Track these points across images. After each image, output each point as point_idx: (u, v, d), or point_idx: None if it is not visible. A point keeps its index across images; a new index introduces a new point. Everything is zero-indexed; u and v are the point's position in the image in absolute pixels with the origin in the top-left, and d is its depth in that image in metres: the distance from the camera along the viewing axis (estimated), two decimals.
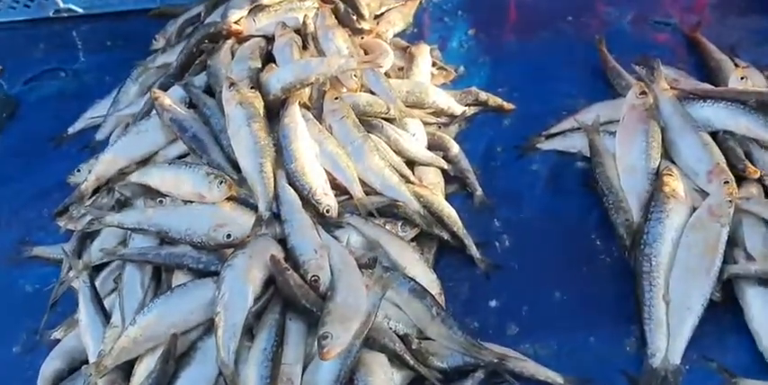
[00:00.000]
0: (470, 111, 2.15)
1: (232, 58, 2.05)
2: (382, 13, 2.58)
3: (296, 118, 1.75)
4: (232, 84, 1.76)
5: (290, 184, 1.65)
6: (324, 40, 2.07)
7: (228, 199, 1.62)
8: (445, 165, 1.92)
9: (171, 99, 1.86)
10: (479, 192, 1.89)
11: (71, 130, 2.30)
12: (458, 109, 2.11)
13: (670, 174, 1.70)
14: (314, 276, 1.44)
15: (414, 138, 1.93)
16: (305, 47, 2.07)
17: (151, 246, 1.58)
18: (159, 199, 1.66)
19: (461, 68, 2.37)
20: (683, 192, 1.67)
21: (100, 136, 2.22)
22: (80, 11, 2.88)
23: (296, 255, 1.50)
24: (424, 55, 2.26)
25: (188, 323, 1.41)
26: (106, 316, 1.56)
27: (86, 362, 1.52)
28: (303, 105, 1.84)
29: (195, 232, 1.52)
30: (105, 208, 1.83)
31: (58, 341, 1.63)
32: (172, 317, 1.40)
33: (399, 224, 1.69)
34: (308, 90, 1.89)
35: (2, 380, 1.61)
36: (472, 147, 2.04)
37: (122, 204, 1.81)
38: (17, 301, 1.79)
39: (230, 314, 1.35)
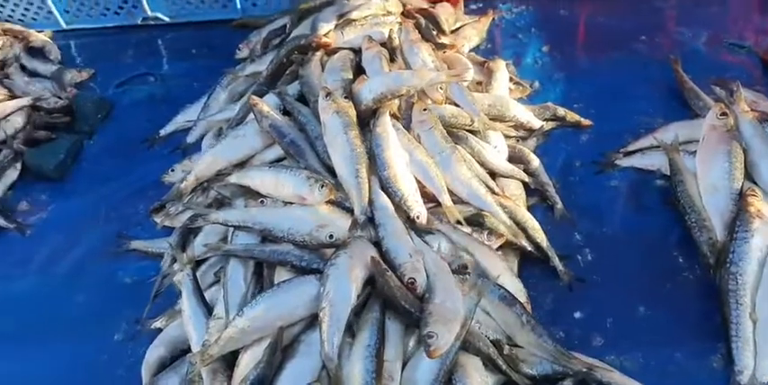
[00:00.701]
0: (548, 125, 2.20)
1: (321, 69, 2.15)
2: (457, 29, 2.67)
3: (387, 127, 1.83)
4: (328, 93, 1.84)
5: (382, 190, 1.72)
6: (409, 54, 2.14)
7: (326, 202, 1.69)
8: (526, 178, 1.97)
9: (269, 106, 1.96)
10: (560, 205, 1.94)
11: (163, 133, 2.43)
12: (536, 123, 2.17)
13: (754, 195, 1.73)
14: (410, 278, 1.50)
15: (496, 151, 1.98)
16: (392, 59, 2.15)
17: (255, 243, 1.66)
18: (261, 199, 1.75)
19: (536, 84, 2.42)
20: (767, 213, 1.68)
21: (190, 139, 2.34)
22: (166, 19, 3.03)
23: (391, 258, 1.56)
24: (502, 70, 2.32)
25: (293, 317, 1.48)
26: (207, 307, 1.63)
27: (188, 350, 1.60)
28: (392, 115, 1.91)
29: (298, 231, 1.60)
30: (200, 206, 1.92)
31: (157, 330, 1.73)
32: (278, 310, 1.47)
33: (485, 233, 1.74)
34: (396, 100, 1.96)
35: (107, 365, 1.70)
36: (550, 162, 2.08)
37: (220, 203, 1.90)
38: (117, 292, 1.89)
39: (335, 310, 1.41)
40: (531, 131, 2.17)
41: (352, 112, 1.85)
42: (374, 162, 1.76)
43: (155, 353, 1.63)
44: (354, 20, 2.32)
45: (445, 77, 1.93)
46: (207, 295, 1.68)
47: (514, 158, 2.03)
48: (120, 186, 2.23)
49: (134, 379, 1.62)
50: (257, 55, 2.54)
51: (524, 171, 2.00)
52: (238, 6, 2.96)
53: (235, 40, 2.80)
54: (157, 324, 1.73)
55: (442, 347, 1.31)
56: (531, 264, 1.80)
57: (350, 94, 1.94)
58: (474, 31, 2.65)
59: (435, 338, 1.31)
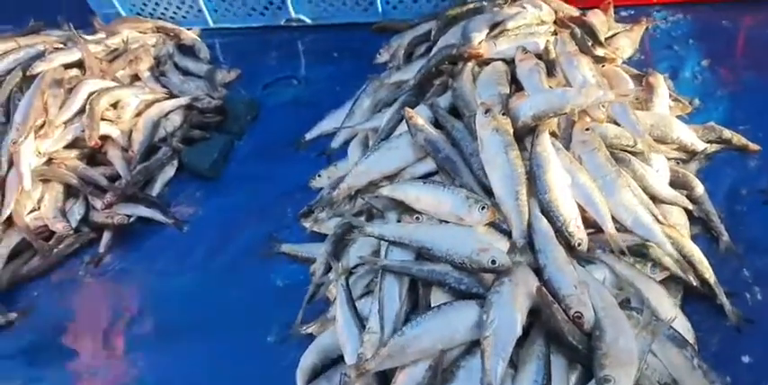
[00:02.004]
0: (711, 148, 2.05)
1: (473, 80, 2.11)
2: (608, 38, 2.53)
3: (548, 147, 1.76)
4: (488, 109, 1.80)
5: (542, 214, 1.67)
6: (568, 68, 2.06)
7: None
8: (690, 206, 1.85)
9: (423, 119, 1.95)
10: (726, 237, 1.80)
11: (308, 136, 2.49)
12: (700, 146, 2.02)
13: None
14: (577, 313, 1.44)
15: (658, 175, 1.87)
16: (549, 73, 2.07)
17: (412, 261, 1.65)
18: (416, 216, 1.75)
19: (696, 101, 2.26)
20: None
21: (334, 144, 2.39)
22: (309, 21, 3.10)
23: (554, 288, 1.51)
24: (663, 86, 2.17)
25: (452, 341, 1.47)
26: (360, 319, 1.65)
27: (340, 359, 1.64)
28: (551, 134, 1.85)
29: (457, 253, 1.57)
30: (350, 214, 1.95)
31: (307, 335, 1.78)
32: (439, 333, 1.47)
33: (649, 265, 1.65)
34: (555, 118, 1.89)
35: (261, 365, 1.78)
36: (714, 188, 1.94)
37: (369, 213, 1.92)
38: (269, 294, 1.97)
39: (500, 339, 1.39)
40: (692, 154, 2.03)
41: (511, 130, 1.80)
42: (534, 183, 1.71)
43: (309, 359, 1.68)
44: (507, 29, 2.26)
45: (613, 96, 1.84)
46: (357, 306, 1.70)
47: (677, 183, 1.90)
48: (269, 188, 2.30)
49: (287, 381, 1.67)
50: (402, 62, 2.53)
51: (687, 197, 1.87)
52: (379, 9, 2.97)
53: (375, 43, 2.82)
54: (309, 330, 1.77)
55: None
56: (693, 299, 1.68)
57: (506, 110, 1.89)
58: (628, 41, 2.51)
59: (613, 383, 1.26)
